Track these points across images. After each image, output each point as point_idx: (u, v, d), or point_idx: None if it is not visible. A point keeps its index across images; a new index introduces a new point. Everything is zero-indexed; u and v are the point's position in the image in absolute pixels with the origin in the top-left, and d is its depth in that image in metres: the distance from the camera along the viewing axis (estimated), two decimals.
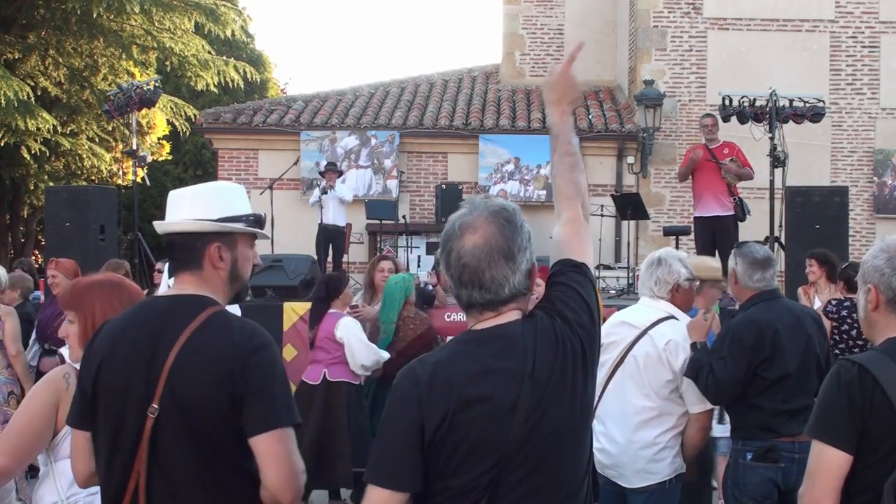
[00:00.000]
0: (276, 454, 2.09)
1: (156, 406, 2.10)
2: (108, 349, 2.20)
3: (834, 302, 6.45)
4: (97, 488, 2.30)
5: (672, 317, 3.82)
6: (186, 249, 2.27)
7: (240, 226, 2.29)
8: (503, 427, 1.88)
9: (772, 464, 3.84)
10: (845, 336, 6.32)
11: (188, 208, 2.28)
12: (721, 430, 6.30)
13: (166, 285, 6.65)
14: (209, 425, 2.09)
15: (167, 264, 6.87)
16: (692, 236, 10.63)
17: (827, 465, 2.17)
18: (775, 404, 3.87)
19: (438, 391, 1.89)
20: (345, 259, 12.33)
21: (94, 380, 2.20)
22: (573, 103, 2.35)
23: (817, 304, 7.23)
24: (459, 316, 8.71)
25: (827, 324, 6.21)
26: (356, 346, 5.74)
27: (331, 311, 5.92)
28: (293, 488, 2.11)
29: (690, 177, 10.08)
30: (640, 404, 3.73)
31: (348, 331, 5.78)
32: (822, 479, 2.18)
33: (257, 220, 2.34)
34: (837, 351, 6.14)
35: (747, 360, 3.87)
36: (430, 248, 13.82)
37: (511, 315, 1.99)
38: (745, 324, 3.98)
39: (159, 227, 2.32)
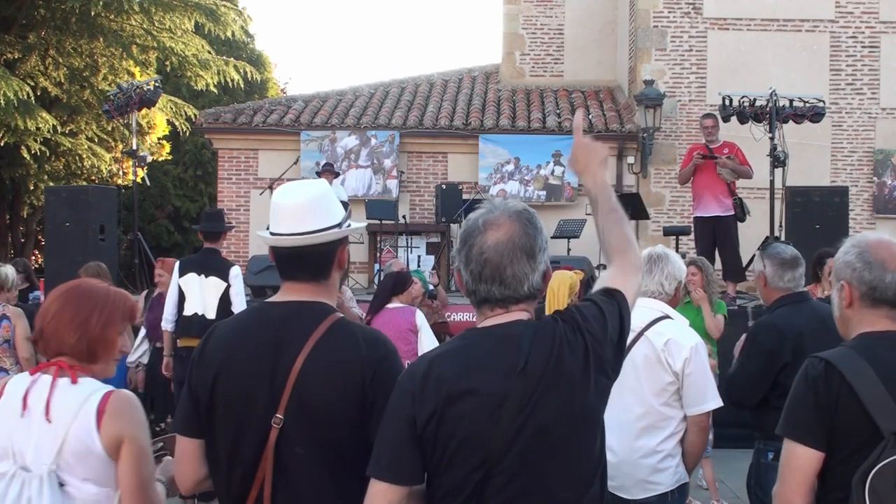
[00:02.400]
0: None
1: (280, 416, 2.08)
2: (224, 357, 2.17)
3: None
4: None
5: (667, 316, 3.67)
6: (320, 259, 2.23)
7: (359, 225, 2.33)
8: (491, 423, 1.88)
9: None
10: None
11: (316, 217, 2.22)
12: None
13: (176, 285, 6.66)
14: (337, 434, 2.09)
15: (176, 264, 6.87)
16: (692, 236, 10.63)
17: (797, 462, 2.18)
18: None
19: (431, 386, 1.91)
20: None
21: (212, 388, 2.16)
22: (601, 164, 2.31)
23: None
24: (460, 316, 8.73)
25: None
26: (430, 339, 6.15)
27: (398, 304, 6.24)
28: None
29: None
30: (638, 411, 3.54)
31: (424, 323, 6.24)
32: (793, 477, 2.19)
33: (350, 213, 2.37)
34: None
35: (764, 363, 3.79)
36: (430, 249, 13.83)
37: (518, 315, 2.00)
38: (767, 327, 3.92)
39: (296, 241, 2.20)
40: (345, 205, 2.52)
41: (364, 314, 6.68)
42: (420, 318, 6.23)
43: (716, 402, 3.56)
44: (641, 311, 3.65)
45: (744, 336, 4.13)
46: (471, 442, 1.88)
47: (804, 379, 2.23)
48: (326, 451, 2.09)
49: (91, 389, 2.31)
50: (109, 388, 2.34)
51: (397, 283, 6.37)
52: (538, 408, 1.89)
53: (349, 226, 2.31)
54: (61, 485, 2.24)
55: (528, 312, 2.01)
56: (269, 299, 2.31)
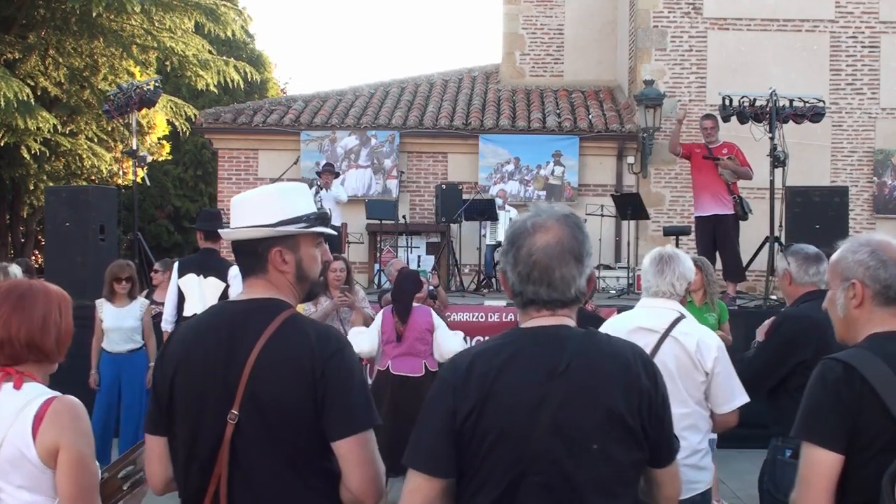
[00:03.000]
0: (359, 458, 2.12)
1: (235, 412, 2.10)
2: (182, 355, 2.20)
3: None
4: None
5: (683, 316, 3.65)
6: (250, 255, 2.26)
7: (298, 227, 2.26)
8: (528, 422, 1.89)
9: None
10: None
11: (249, 214, 2.26)
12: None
13: (175, 285, 6.65)
14: (291, 429, 2.10)
15: (175, 264, 6.86)
16: (692, 236, 10.63)
17: (818, 467, 2.13)
18: None
19: (473, 381, 1.94)
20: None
21: (170, 386, 2.18)
22: None
23: None
24: (459, 316, 8.70)
25: None
26: (448, 336, 6.16)
27: (414, 304, 6.25)
28: (376, 490, 2.14)
29: (691, 175, 10.09)
30: (677, 412, 3.41)
31: (440, 321, 6.28)
32: (815, 483, 2.13)
33: (319, 218, 2.32)
34: None
35: (782, 353, 3.80)
36: (430, 248, 13.82)
37: (563, 319, 2.02)
38: (792, 318, 3.93)
39: (224, 234, 2.32)
40: (322, 211, 2.46)
41: (374, 314, 6.67)
42: (436, 318, 6.28)
43: (744, 397, 3.57)
44: (658, 311, 3.64)
45: (767, 321, 4.14)
46: (507, 439, 1.90)
47: (822, 381, 2.17)
48: (282, 445, 2.10)
49: (33, 395, 2.26)
50: (54, 394, 2.29)
51: (417, 283, 6.43)
52: (576, 413, 1.90)
53: (307, 227, 2.27)
54: None
55: (572, 318, 2.03)
56: (231, 298, 2.34)
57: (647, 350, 3.41)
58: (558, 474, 1.89)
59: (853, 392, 2.12)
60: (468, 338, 8.64)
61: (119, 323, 6.95)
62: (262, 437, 2.10)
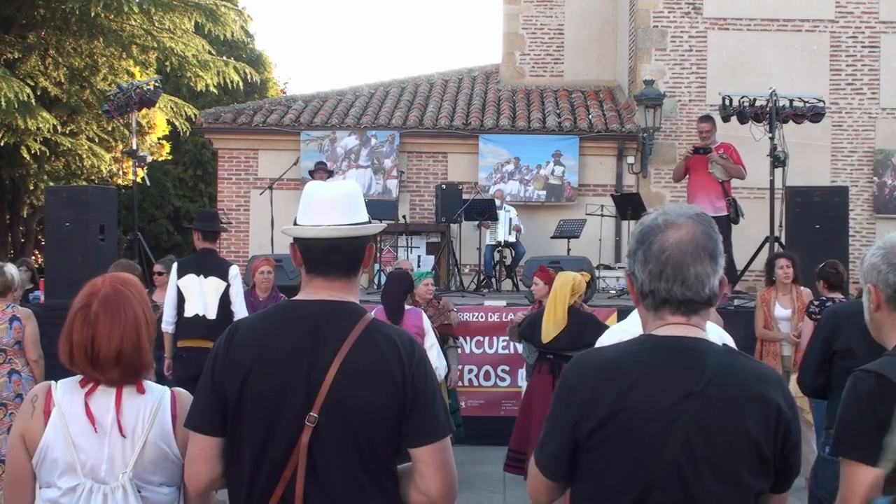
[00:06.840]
0: (440, 463, 2.11)
1: (315, 415, 2.06)
2: (257, 354, 2.12)
3: (816, 302, 6.38)
4: None
5: None
6: (356, 253, 2.22)
7: (381, 225, 2.32)
8: (659, 438, 1.84)
9: None
10: None
11: (352, 210, 2.23)
12: None
13: (175, 286, 6.61)
14: (371, 433, 2.09)
15: (174, 265, 6.83)
16: None
17: (859, 483, 2.04)
18: None
19: (603, 391, 1.88)
20: None
21: (241, 385, 2.11)
22: None
23: (780, 312, 7.26)
24: (461, 316, 8.68)
25: (810, 325, 6.20)
26: (429, 346, 6.14)
27: (406, 306, 6.25)
28: (453, 494, 2.14)
29: (686, 178, 10.10)
30: None
31: (430, 328, 6.26)
32: (857, 500, 2.05)
33: None
34: None
35: (823, 349, 3.88)
36: (430, 248, 13.82)
37: (698, 331, 1.94)
38: (827, 313, 4.11)
39: (343, 231, 2.20)
40: None
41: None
42: (426, 322, 6.25)
43: None
44: None
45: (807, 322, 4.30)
46: (636, 453, 1.85)
47: (854, 394, 2.11)
48: (360, 449, 2.09)
49: (157, 395, 2.33)
50: (167, 389, 2.37)
51: (401, 283, 6.38)
52: (711, 434, 1.84)
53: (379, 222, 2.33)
54: (138, 491, 2.26)
55: (704, 328, 1.96)
56: (298, 297, 2.26)
57: None
58: (683, 494, 1.84)
59: (888, 404, 2.03)
60: (468, 338, 8.64)
61: None
62: (339, 440, 2.07)
